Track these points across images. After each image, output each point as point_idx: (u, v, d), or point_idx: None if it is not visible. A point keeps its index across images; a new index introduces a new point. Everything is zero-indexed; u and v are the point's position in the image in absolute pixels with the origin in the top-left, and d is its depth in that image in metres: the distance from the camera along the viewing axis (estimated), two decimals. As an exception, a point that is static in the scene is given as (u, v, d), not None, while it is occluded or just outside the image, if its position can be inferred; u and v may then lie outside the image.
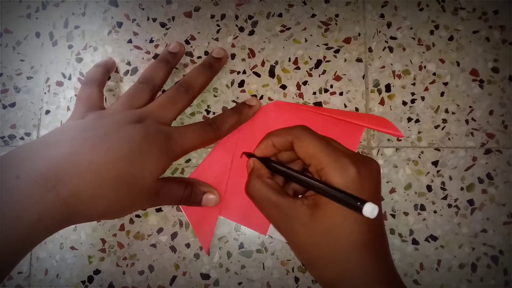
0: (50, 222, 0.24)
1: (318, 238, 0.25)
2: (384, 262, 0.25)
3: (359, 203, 0.22)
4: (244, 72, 0.35)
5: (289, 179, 0.28)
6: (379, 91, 0.34)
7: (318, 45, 0.35)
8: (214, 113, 0.34)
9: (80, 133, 0.26)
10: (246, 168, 0.30)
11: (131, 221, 0.33)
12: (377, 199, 0.26)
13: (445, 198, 0.33)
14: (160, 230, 0.33)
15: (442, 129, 0.34)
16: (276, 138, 0.28)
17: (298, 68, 0.35)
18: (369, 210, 0.21)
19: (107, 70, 0.34)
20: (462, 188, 0.33)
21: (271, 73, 0.35)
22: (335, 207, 0.24)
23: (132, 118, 0.28)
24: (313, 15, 0.35)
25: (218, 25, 0.35)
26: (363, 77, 0.34)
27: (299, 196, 0.28)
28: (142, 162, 0.26)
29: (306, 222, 0.25)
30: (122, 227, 0.33)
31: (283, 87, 0.34)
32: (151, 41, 0.35)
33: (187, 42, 0.35)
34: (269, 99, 0.34)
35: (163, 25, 0.36)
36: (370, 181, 0.25)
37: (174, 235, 0.33)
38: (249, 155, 0.30)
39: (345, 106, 0.34)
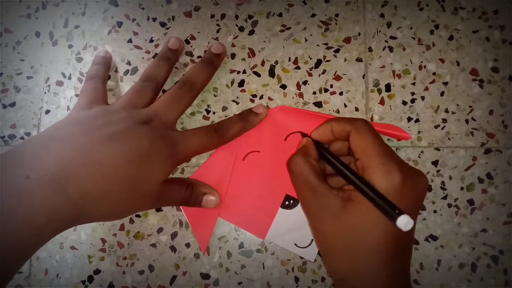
0: (57, 223, 0.23)
1: (343, 231, 0.25)
2: (400, 273, 0.25)
3: (396, 212, 0.21)
4: (244, 71, 0.35)
5: (333, 169, 0.28)
6: (379, 91, 0.34)
7: (318, 45, 0.35)
8: (214, 112, 0.34)
9: (89, 130, 0.26)
10: (298, 146, 0.30)
11: (131, 221, 0.33)
12: (414, 213, 0.26)
13: (445, 198, 0.33)
14: (160, 230, 0.33)
15: (442, 128, 0.34)
16: (336, 124, 0.28)
17: (298, 67, 0.35)
18: (403, 222, 0.21)
19: (108, 67, 0.34)
20: (462, 188, 0.33)
21: (271, 73, 0.35)
22: (368, 208, 0.24)
23: (139, 118, 0.28)
24: (313, 15, 0.35)
25: (218, 25, 0.35)
26: (363, 76, 0.34)
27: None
28: (148, 166, 0.26)
29: (336, 212, 0.25)
30: (122, 227, 0.33)
31: (283, 86, 0.34)
32: (151, 40, 0.35)
33: (187, 41, 0.35)
34: (269, 98, 0.34)
35: (163, 24, 0.36)
36: (412, 193, 0.25)
37: (174, 235, 0.33)
38: (304, 135, 0.30)
39: (345, 106, 0.34)
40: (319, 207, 0.26)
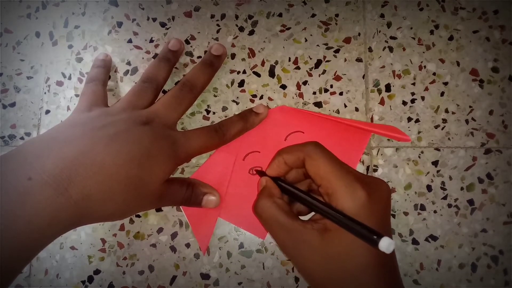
0: (59, 225, 0.23)
1: (328, 263, 0.24)
2: (393, 284, 0.25)
3: (375, 237, 0.21)
4: (244, 72, 0.35)
5: (300, 202, 0.27)
6: (379, 91, 0.34)
7: (318, 45, 0.35)
8: (214, 113, 0.34)
9: (90, 130, 0.26)
10: (258, 186, 0.29)
11: (131, 221, 0.33)
12: (387, 223, 0.26)
13: (445, 198, 0.33)
14: (160, 230, 0.33)
15: (442, 129, 0.34)
16: (287, 155, 0.27)
17: (298, 68, 0.35)
18: (386, 244, 0.21)
19: (108, 69, 0.34)
20: (462, 188, 0.33)
21: (271, 73, 0.35)
22: (346, 234, 0.24)
23: (140, 119, 0.28)
24: (313, 15, 0.35)
25: (218, 25, 0.35)
26: (363, 77, 0.34)
27: (300, 216, 0.27)
28: (150, 166, 0.26)
29: (316, 246, 0.24)
30: (122, 227, 0.33)
31: (283, 87, 0.34)
32: (151, 41, 0.35)
33: (187, 41, 0.35)
34: (269, 99, 0.34)
35: (163, 25, 0.36)
36: (379, 204, 0.25)
37: (174, 235, 0.33)
38: (261, 173, 0.30)
39: (345, 106, 0.34)
40: (298, 245, 0.25)
